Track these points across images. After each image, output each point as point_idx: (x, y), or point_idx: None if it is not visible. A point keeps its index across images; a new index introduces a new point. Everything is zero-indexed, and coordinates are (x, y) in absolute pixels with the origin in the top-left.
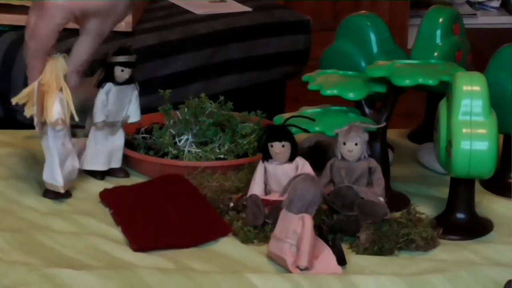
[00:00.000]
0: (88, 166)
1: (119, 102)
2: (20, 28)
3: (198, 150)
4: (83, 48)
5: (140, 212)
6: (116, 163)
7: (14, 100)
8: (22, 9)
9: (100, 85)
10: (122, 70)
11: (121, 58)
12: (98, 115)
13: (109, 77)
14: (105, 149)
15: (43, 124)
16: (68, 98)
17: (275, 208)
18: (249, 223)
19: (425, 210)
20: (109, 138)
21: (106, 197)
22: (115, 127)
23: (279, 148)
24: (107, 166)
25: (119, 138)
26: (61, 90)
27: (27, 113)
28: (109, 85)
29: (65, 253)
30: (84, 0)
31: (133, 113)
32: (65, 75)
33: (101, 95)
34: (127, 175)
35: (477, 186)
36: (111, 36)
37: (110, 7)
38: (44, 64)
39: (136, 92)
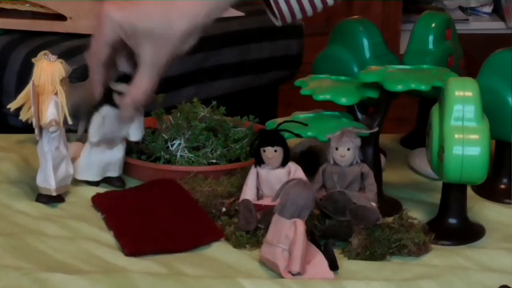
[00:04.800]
0: (79, 176)
1: (118, 123)
2: (12, 32)
3: (190, 155)
4: (140, 80)
5: (132, 217)
6: (114, 173)
7: (12, 106)
8: (15, 13)
9: (97, 108)
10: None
11: (120, 88)
12: (93, 135)
13: (107, 100)
14: (100, 162)
15: (40, 129)
16: (63, 101)
17: (267, 213)
18: (242, 228)
19: (417, 215)
20: (106, 152)
21: (98, 201)
22: (113, 143)
23: (271, 153)
24: (100, 177)
25: (118, 150)
26: (56, 93)
27: (23, 117)
28: (106, 109)
29: (58, 257)
30: (136, 15)
31: (134, 132)
32: (61, 79)
33: (97, 117)
34: (123, 184)
35: (469, 192)
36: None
37: (163, 31)
38: (102, 77)
39: (141, 117)
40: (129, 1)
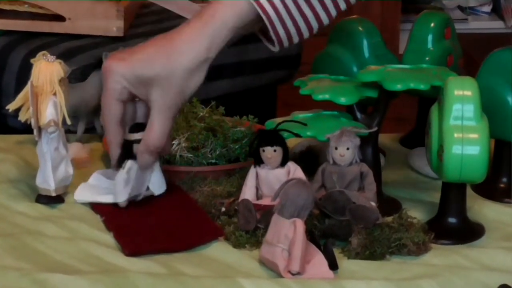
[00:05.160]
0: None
1: (141, 176)
2: (11, 33)
3: (189, 155)
4: (153, 125)
5: (131, 218)
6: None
7: (10, 107)
8: (13, 14)
9: (120, 164)
10: None
11: (137, 136)
12: (121, 195)
13: (128, 154)
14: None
15: (39, 129)
16: (62, 102)
17: (267, 212)
18: (241, 228)
19: (417, 214)
20: None
21: (97, 205)
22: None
23: (270, 152)
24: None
25: None
26: (54, 94)
27: (22, 117)
28: (130, 163)
29: (57, 258)
30: (137, 64)
31: (157, 185)
32: (60, 80)
33: (122, 174)
34: None
35: (469, 191)
36: (103, 41)
37: (166, 74)
38: (119, 137)
39: (158, 163)
40: (128, 52)
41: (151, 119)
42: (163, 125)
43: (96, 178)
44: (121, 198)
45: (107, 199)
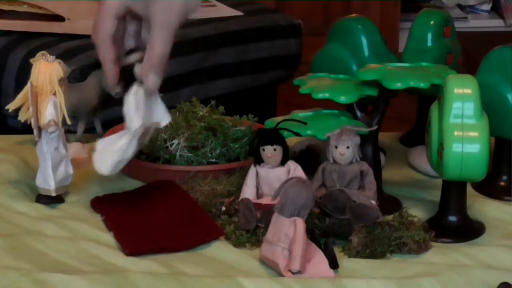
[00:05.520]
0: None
1: (148, 106)
2: (10, 33)
3: (189, 154)
4: (156, 42)
5: (131, 218)
6: None
7: (10, 107)
8: (13, 14)
9: (125, 90)
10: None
11: (135, 57)
12: (135, 121)
13: (130, 79)
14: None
15: (39, 129)
16: (62, 102)
17: (267, 211)
18: (241, 227)
19: (417, 213)
20: None
21: (97, 205)
22: (146, 136)
23: (270, 152)
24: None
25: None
26: (54, 94)
27: (22, 117)
28: (135, 86)
29: (57, 257)
30: None
31: (162, 115)
32: (60, 79)
33: (131, 99)
34: None
35: (469, 189)
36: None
37: None
38: (112, 54)
39: (158, 94)
40: None
41: (152, 36)
42: (165, 40)
43: (101, 143)
44: (136, 123)
45: (125, 138)
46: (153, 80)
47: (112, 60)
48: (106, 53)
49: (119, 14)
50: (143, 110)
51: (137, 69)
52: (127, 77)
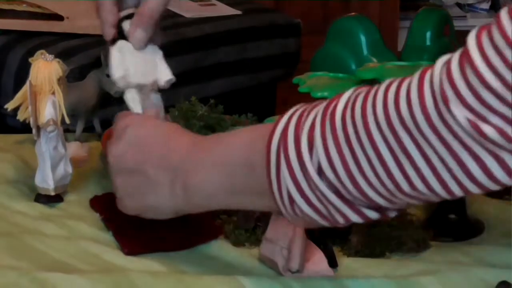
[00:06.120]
0: None
1: (141, 63)
2: (9, 33)
3: None
4: None
5: (130, 217)
6: None
7: (9, 106)
8: (12, 14)
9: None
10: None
11: (128, 11)
12: (116, 70)
13: (120, 35)
14: None
15: (38, 128)
16: (60, 101)
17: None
18: (240, 226)
19: (416, 212)
20: None
21: (96, 204)
22: (144, 96)
23: None
24: None
25: None
26: (53, 93)
27: (21, 117)
28: (120, 43)
29: (56, 257)
30: None
31: (163, 73)
32: (58, 79)
33: (113, 51)
34: None
35: None
36: (101, 40)
37: None
38: (114, 15)
39: (160, 53)
40: None
41: None
42: None
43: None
44: (118, 73)
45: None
46: (139, 34)
47: (112, 24)
48: (108, 14)
49: None
50: (135, 66)
51: (126, 25)
52: (119, 31)
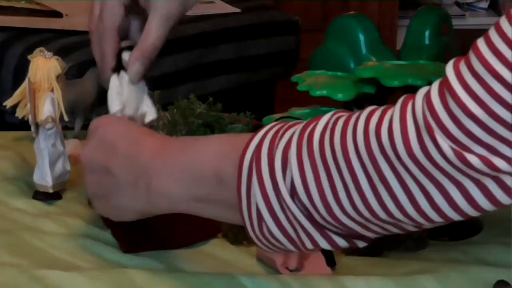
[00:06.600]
0: None
1: (134, 96)
2: (8, 29)
3: None
4: (151, 29)
5: None
6: None
7: (8, 104)
8: (11, 10)
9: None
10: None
11: (128, 42)
12: (113, 103)
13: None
14: None
15: (37, 125)
16: (59, 98)
17: None
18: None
19: None
20: None
21: None
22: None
23: None
24: None
25: None
26: (52, 90)
27: (19, 114)
28: (121, 74)
29: (55, 254)
30: None
31: (149, 110)
32: (57, 76)
33: (113, 81)
34: None
35: None
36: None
37: None
38: (116, 45)
39: (146, 89)
40: None
41: (148, 22)
42: (160, 30)
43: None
44: (114, 107)
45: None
46: (136, 69)
47: (113, 55)
48: (110, 44)
49: (126, 2)
50: (130, 98)
51: (125, 56)
52: (118, 61)
